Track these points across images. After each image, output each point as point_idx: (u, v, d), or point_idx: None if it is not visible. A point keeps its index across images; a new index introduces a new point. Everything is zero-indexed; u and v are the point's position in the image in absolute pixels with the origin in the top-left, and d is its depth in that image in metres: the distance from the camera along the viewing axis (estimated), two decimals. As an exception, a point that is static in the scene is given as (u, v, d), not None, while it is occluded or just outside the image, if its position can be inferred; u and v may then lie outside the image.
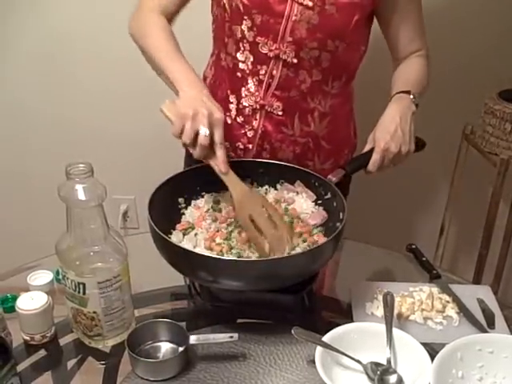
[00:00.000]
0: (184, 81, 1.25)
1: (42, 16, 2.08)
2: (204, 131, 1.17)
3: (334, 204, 1.27)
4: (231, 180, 1.21)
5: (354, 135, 1.57)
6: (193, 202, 1.33)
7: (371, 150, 1.29)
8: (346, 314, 1.23)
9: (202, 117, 1.17)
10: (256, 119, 1.42)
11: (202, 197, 1.34)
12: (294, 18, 1.29)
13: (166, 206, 1.28)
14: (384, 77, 1.48)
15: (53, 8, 2.06)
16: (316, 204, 1.32)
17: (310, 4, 1.28)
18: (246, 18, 1.31)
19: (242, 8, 1.30)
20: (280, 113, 1.40)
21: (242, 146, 1.45)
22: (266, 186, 1.36)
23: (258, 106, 1.40)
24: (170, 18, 1.40)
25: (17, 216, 2.37)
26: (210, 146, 1.19)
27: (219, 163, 1.20)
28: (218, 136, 1.19)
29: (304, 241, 1.21)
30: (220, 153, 1.19)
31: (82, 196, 1.04)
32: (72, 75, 2.16)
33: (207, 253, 1.16)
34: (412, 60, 1.45)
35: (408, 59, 1.46)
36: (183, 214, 1.31)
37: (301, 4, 1.28)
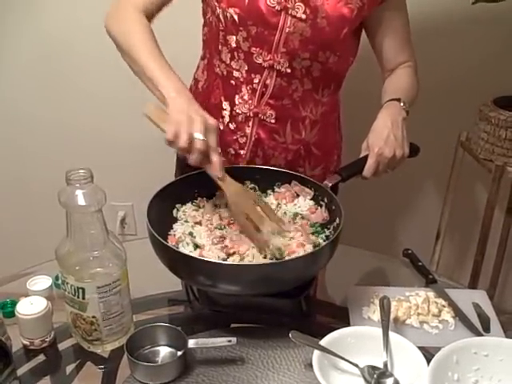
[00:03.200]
0: (172, 88, 1.22)
1: (39, 20, 2.09)
2: (199, 136, 1.15)
3: (331, 209, 1.28)
4: (226, 184, 1.21)
5: (340, 141, 1.61)
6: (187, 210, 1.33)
7: (366, 156, 1.30)
8: (342, 319, 1.23)
9: (197, 123, 1.16)
10: (249, 126, 1.43)
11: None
12: (287, 29, 1.32)
13: (164, 211, 1.29)
14: (370, 85, 1.50)
15: (50, 12, 2.07)
16: (315, 203, 1.33)
17: (303, 17, 1.31)
18: (241, 29, 1.33)
19: (237, 20, 1.32)
20: (273, 121, 1.43)
21: (233, 152, 1.47)
22: (269, 191, 1.37)
23: (251, 114, 1.42)
24: (150, 17, 1.36)
25: (16, 221, 2.38)
26: (205, 152, 1.18)
27: (215, 169, 1.19)
28: (213, 142, 1.18)
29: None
30: (216, 158, 1.18)
31: (81, 201, 1.05)
32: (71, 81, 2.17)
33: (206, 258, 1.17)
34: (400, 71, 1.48)
35: (396, 70, 1.48)
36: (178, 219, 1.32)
37: (294, 17, 1.31)
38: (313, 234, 1.25)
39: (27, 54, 2.15)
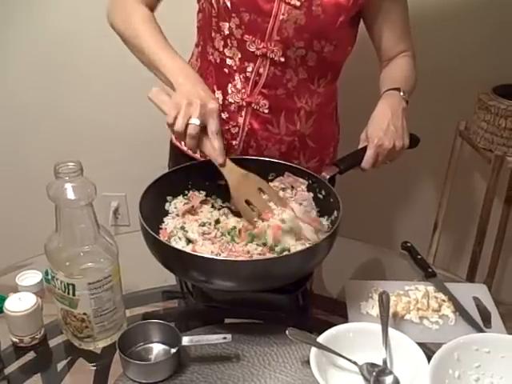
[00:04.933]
0: (178, 73, 1.23)
1: (41, 13, 2.06)
2: (194, 121, 1.15)
3: (329, 202, 1.25)
4: (227, 169, 1.21)
5: (337, 132, 1.57)
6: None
7: (365, 148, 1.27)
8: (340, 314, 1.21)
9: (195, 106, 1.15)
10: (241, 116, 1.40)
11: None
12: (281, 17, 1.29)
13: (157, 204, 1.26)
14: (369, 74, 1.48)
15: (53, 4, 2.04)
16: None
17: (298, 4, 1.27)
18: (233, 15, 1.30)
19: (229, 6, 1.29)
20: (266, 111, 1.39)
21: (225, 142, 1.43)
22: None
23: (244, 103, 1.39)
24: (152, 7, 1.37)
25: (6, 214, 2.34)
26: (206, 136, 1.18)
27: (215, 155, 1.18)
28: (213, 126, 1.17)
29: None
30: (216, 143, 1.18)
31: (71, 195, 1.02)
32: (63, 73, 2.14)
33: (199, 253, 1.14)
34: (398, 60, 1.45)
35: (394, 60, 1.45)
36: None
37: (288, 3, 1.28)
38: None
39: (28, 46, 2.11)
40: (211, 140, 1.18)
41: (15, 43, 2.10)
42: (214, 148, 1.18)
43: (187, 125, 1.15)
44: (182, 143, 1.53)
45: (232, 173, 1.21)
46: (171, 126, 1.16)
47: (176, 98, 1.18)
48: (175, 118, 1.15)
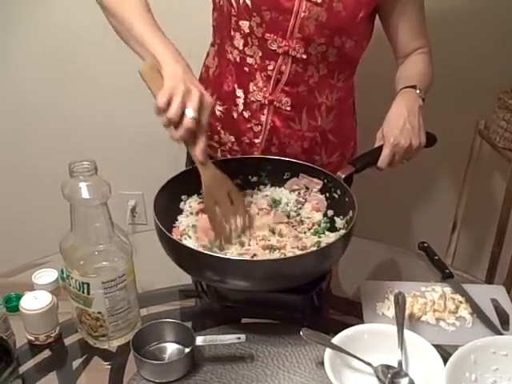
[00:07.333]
0: (168, 55, 1.13)
1: (47, 11, 2.07)
2: (193, 113, 1.07)
3: (344, 201, 1.24)
4: (205, 168, 1.16)
5: (356, 127, 1.57)
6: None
7: (381, 146, 1.26)
8: (355, 314, 1.20)
9: (194, 96, 1.08)
10: (264, 114, 1.40)
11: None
12: (302, 14, 1.28)
13: (172, 203, 1.26)
14: (385, 70, 1.47)
15: (56, 4, 2.05)
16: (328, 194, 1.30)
17: (319, 0, 1.27)
18: (254, 14, 1.29)
19: (250, 4, 1.29)
20: (288, 108, 1.39)
21: (247, 141, 1.43)
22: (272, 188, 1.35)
23: (266, 102, 1.39)
24: None
25: (23, 213, 2.36)
26: (193, 131, 1.10)
27: (198, 152, 1.12)
28: (205, 121, 1.10)
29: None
30: (202, 140, 1.11)
31: (85, 194, 1.02)
32: (76, 70, 2.15)
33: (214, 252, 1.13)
34: (415, 57, 1.44)
35: (411, 57, 1.44)
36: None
37: (309, 1, 1.27)
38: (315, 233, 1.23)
39: (34, 47, 2.12)
40: (199, 136, 1.11)
41: (20, 42, 2.11)
42: (199, 143, 1.12)
43: (182, 115, 1.07)
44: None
45: (208, 172, 1.17)
46: (162, 110, 1.07)
47: (171, 80, 1.08)
48: (168, 103, 1.07)
